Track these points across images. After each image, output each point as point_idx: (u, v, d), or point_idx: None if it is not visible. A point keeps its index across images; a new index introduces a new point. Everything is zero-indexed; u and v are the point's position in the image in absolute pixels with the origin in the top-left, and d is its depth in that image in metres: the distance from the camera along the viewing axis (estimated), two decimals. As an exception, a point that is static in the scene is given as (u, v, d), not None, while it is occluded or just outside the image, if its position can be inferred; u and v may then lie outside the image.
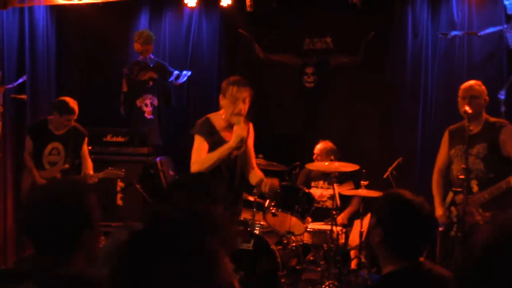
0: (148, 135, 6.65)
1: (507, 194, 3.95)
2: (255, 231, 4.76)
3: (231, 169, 4.01)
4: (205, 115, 4.12)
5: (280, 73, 6.97)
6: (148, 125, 6.70)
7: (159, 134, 6.79)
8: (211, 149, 3.92)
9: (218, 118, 4.06)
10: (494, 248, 1.19)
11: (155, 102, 6.75)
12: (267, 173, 4.38)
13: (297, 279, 4.86)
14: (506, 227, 1.24)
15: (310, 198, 4.81)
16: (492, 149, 4.03)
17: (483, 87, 4.28)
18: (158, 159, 6.53)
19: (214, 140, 3.96)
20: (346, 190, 5.55)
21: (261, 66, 7.05)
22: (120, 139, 6.68)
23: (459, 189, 3.88)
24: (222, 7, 6.75)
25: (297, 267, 4.89)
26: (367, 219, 5.69)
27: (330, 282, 4.65)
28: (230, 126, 4.00)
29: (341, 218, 5.52)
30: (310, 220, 4.85)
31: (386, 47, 6.54)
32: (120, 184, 6.33)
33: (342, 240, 5.23)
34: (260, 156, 5.21)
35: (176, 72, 6.73)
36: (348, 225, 5.53)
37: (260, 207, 4.88)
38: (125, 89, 6.72)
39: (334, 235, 4.96)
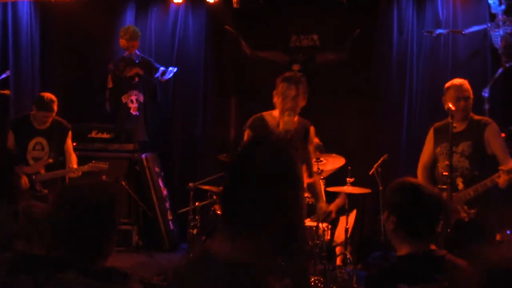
0: (134, 132, 6.62)
1: (491, 191, 4.00)
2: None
3: None
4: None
5: (267, 70, 6.95)
6: (133, 122, 6.67)
7: (145, 131, 6.77)
8: None
9: (272, 117, 4.12)
10: None
11: (141, 98, 6.72)
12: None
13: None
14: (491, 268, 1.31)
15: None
16: (477, 147, 4.06)
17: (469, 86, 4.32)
18: (143, 156, 6.50)
19: None
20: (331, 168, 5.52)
21: (248, 63, 7.04)
22: (105, 135, 6.64)
23: (444, 186, 3.90)
24: (208, 3, 6.73)
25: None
26: (352, 215, 5.74)
27: (316, 278, 4.65)
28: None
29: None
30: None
31: (371, 45, 6.57)
32: (104, 179, 6.28)
33: (327, 237, 5.24)
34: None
35: (162, 68, 6.70)
36: (334, 221, 5.55)
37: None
38: (110, 85, 6.68)
39: (320, 231, 4.97)
